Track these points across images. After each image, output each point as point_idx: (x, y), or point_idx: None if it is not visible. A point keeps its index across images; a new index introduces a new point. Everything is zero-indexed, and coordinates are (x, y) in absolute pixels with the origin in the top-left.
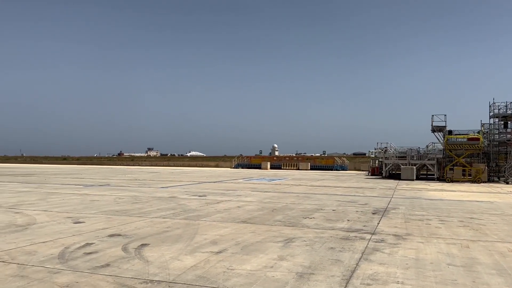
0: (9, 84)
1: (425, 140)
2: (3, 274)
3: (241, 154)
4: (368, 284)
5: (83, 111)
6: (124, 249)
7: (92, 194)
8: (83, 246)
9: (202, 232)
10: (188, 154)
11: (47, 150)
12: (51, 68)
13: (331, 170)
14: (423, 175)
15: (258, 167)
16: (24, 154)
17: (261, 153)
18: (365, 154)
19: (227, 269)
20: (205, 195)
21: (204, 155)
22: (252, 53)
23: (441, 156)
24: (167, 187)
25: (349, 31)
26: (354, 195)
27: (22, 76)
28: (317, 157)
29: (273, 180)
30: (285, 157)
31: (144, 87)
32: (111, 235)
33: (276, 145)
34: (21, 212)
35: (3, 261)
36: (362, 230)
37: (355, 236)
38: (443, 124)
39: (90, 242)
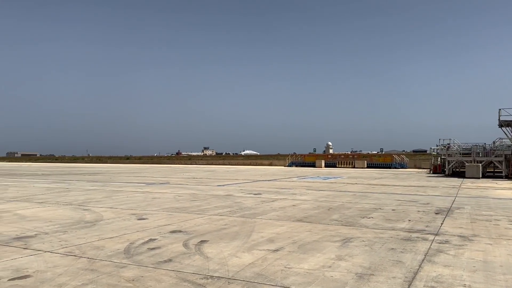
0: (76, 90)
1: (490, 136)
2: (75, 267)
3: (295, 153)
4: (432, 287)
5: (144, 113)
6: (185, 245)
7: (154, 192)
8: (147, 242)
9: (259, 230)
10: (243, 153)
11: (111, 150)
12: (116, 74)
13: (390, 168)
14: (489, 173)
15: (312, 165)
16: (90, 154)
17: (315, 151)
18: (426, 151)
19: (285, 267)
20: (260, 193)
21: (258, 153)
22: (301, 50)
23: (509, 152)
24: (223, 185)
25: (406, 23)
26: (415, 194)
27: (88, 83)
28: (374, 155)
29: (328, 178)
30: (340, 155)
31: (199, 87)
32: (173, 231)
33: (330, 143)
34: (89, 209)
35: (74, 255)
36: (424, 230)
37: (417, 237)
38: (511, 118)
39: (153, 238)
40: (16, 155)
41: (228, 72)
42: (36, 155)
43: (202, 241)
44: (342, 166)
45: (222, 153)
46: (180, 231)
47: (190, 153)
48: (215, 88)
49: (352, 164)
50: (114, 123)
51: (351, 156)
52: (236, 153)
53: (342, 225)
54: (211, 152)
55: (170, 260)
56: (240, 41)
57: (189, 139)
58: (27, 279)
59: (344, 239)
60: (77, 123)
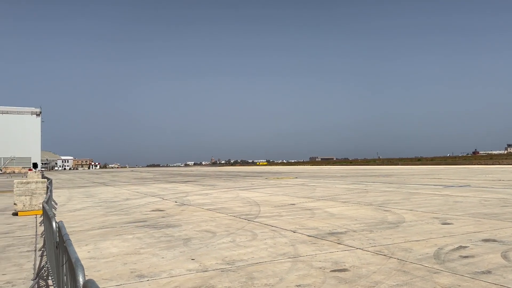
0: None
1: None
2: (386, 267)
3: None
4: None
5: (431, 111)
6: (504, 256)
7: (454, 195)
8: (457, 249)
9: None
10: None
11: (401, 152)
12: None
13: None
14: None
15: None
16: (381, 157)
17: None
18: None
19: None
20: None
21: None
22: None
23: None
24: None
25: None
26: None
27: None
28: None
29: None
30: None
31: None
32: (485, 240)
33: None
34: (389, 210)
35: (384, 255)
36: None
37: None
38: None
39: (463, 245)
40: (316, 159)
41: None
42: (332, 158)
43: None
44: None
45: None
46: (494, 240)
47: (490, 152)
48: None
49: None
50: (403, 124)
51: None
52: None
53: None
54: None
55: (488, 272)
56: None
57: (487, 136)
58: (346, 272)
59: None
60: (367, 129)
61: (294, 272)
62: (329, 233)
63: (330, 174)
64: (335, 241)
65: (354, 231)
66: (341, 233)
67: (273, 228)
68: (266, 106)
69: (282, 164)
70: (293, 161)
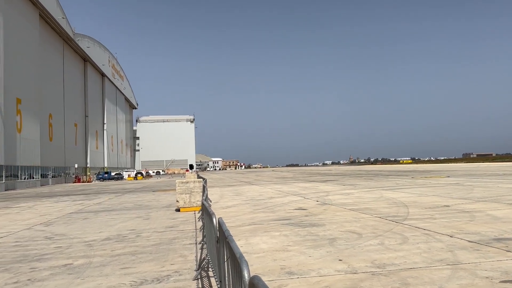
0: None
1: None
2: None
3: None
4: None
5: None
6: None
7: None
8: None
9: None
10: None
11: None
12: None
13: None
14: None
15: None
16: None
17: None
18: None
19: None
20: None
21: None
22: None
23: None
24: None
25: None
26: None
27: None
28: None
29: None
30: None
31: None
32: None
33: None
34: None
35: None
36: None
37: None
38: None
39: None
40: (471, 155)
41: None
42: (491, 154)
43: None
44: None
45: None
46: None
47: None
48: None
49: None
50: None
51: None
52: None
53: None
54: None
55: None
56: None
57: None
58: None
59: None
60: None
61: (455, 281)
62: (494, 239)
63: (489, 172)
64: (503, 248)
65: None
66: (510, 239)
67: (426, 231)
68: (409, 98)
69: (430, 161)
70: (442, 158)
